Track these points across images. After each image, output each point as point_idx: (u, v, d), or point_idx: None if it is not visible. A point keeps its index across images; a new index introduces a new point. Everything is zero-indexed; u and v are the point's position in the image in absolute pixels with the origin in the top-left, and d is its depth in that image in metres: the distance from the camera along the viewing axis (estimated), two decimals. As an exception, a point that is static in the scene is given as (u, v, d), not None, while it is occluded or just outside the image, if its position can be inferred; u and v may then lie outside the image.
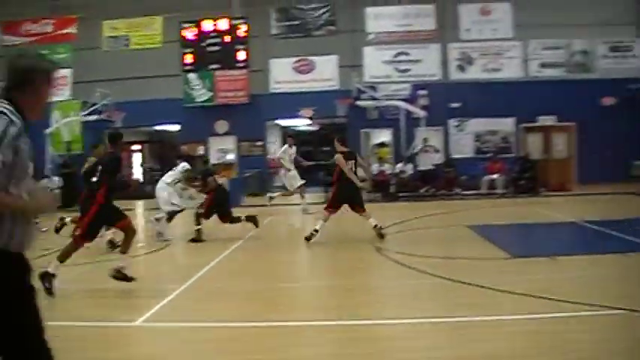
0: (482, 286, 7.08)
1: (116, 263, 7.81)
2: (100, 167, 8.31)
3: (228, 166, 23.00)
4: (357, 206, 11.47)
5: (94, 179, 8.30)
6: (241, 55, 23.55)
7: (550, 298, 6.39)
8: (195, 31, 23.70)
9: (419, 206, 17.95)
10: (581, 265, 8.41)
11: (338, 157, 11.29)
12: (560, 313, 5.95)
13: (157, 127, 25.95)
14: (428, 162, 21.56)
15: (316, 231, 11.20)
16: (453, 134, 23.53)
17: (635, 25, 23.88)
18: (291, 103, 23.26)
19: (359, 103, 22.63)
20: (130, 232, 8.03)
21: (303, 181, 17.14)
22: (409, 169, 21.57)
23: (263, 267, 9.80)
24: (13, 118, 2.96)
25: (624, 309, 5.90)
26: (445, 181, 21.37)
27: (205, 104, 23.76)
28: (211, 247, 11.43)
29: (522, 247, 10.39)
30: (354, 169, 11.37)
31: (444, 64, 23.23)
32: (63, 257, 7.75)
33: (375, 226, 11.31)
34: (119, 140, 8.68)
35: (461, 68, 23.12)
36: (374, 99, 22.81)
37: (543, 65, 23.24)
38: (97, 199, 7.97)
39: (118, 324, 6.36)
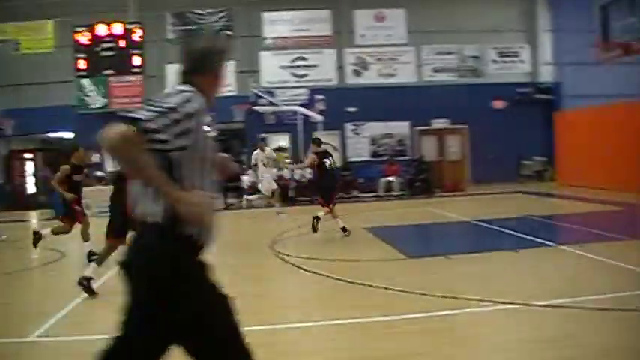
0: (381, 287, 7.14)
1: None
2: None
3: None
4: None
5: None
6: (136, 61, 23.12)
7: (446, 296, 6.48)
8: (88, 35, 23.11)
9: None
10: (474, 262, 8.58)
11: (311, 157, 12.08)
12: (456, 309, 6.05)
13: (51, 135, 25.21)
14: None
15: (344, 229, 11.69)
16: (349, 138, 23.74)
17: (523, 31, 24.84)
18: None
19: (256, 108, 22.50)
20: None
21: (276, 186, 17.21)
22: (307, 173, 21.62)
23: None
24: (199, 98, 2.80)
25: (515, 303, 6.12)
26: (343, 184, 21.53)
27: (100, 110, 23.22)
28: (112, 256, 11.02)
29: (418, 247, 10.71)
30: (333, 166, 12.16)
31: (341, 69, 23.57)
32: None
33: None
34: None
35: (357, 73, 23.50)
36: (271, 104, 22.76)
37: (436, 70, 23.90)
38: None
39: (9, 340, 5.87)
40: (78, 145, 11.05)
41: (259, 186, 17.50)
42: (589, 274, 7.55)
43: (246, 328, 4.96)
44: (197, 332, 2.75)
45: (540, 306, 5.97)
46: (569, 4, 23.16)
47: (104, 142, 2.54)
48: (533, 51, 24.81)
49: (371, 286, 7.26)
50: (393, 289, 7.00)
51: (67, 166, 10.20)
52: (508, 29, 24.41)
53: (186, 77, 2.96)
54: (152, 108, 2.64)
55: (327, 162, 11.97)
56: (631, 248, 9.08)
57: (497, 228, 11.83)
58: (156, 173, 2.63)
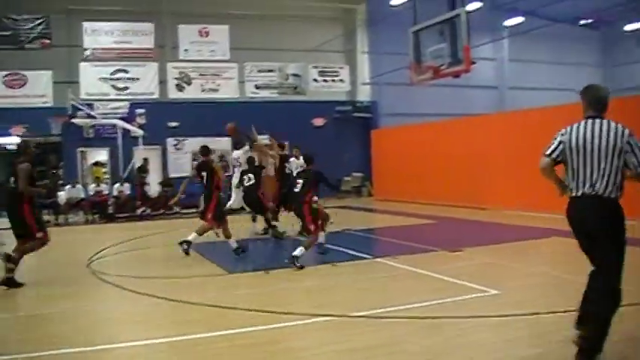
0: (203, 304, 7.23)
1: None
2: None
3: None
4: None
5: None
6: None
7: (265, 311, 6.69)
8: None
9: (138, 227, 17.84)
10: (294, 277, 8.88)
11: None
12: (275, 324, 6.24)
13: None
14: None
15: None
16: (171, 153, 23.83)
17: (343, 52, 26.10)
18: (1, 119, 22.04)
19: (75, 121, 21.71)
20: None
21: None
22: (127, 188, 21.37)
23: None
24: None
25: (333, 315, 6.47)
26: (164, 200, 21.41)
27: None
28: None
29: (239, 263, 10.70)
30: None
31: (163, 83, 23.55)
32: None
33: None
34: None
35: (179, 88, 23.57)
36: (91, 117, 22.12)
37: (258, 87, 24.51)
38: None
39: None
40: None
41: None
42: (402, 284, 8.23)
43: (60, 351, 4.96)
44: None
45: (357, 317, 6.39)
46: (385, 27, 24.64)
47: None
48: (352, 71, 26.13)
49: (190, 303, 7.32)
50: (213, 306, 7.14)
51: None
52: (329, 49, 25.50)
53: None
54: None
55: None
56: (440, 259, 10.01)
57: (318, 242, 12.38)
58: None
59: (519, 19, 29.94)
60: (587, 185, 4.59)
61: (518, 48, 31.63)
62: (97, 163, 23.33)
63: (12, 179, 8.81)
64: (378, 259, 10.07)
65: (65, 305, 7.72)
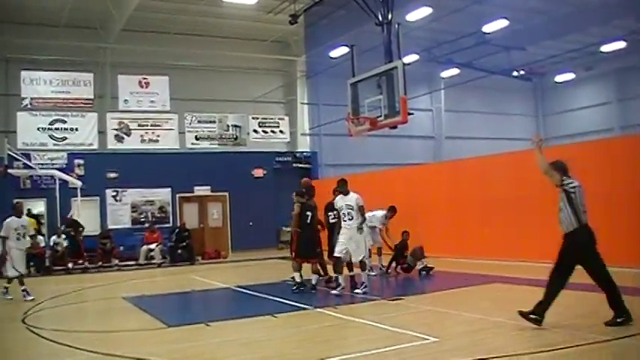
0: (140, 358, 7.17)
1: None
2: None
3: None
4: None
5: None
6: None
7: None
8: None
9: (75, 279, 18.02)
10: (234, 328, 8.88)
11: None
12: None
13: None
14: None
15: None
16: (110, 204, 24.05)
17: (283, 103, 27.10)
18: None
19: (11, 171, 21.83)
20: None
21: None
22: (64, 240, 21.34)
23: None
24: None
25: None
26: (102, 252, 21.59)
27: None
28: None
29: (178, 316, 10.90)
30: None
31: (102, 134, 23.80)
32: None
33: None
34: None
35: (119, 138, 23.85)
36: (28, 167, 22.24)
37: (198, 138, 25.13)
38: None
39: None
40: None
41: None
42: (342, 334, 8.50)
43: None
44: None
45: None
46: (324, 79, 25.79)
47: None
48: (292, 122, 27.11)
49: (129, 357, 7.31)
50: None
51: None
52: (269, 100, 26.47)
53: None
54: None
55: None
56: (380, 307, 10.39)
57: (258, 294, 12.58)
58: None
59: (455, 71, 31.51)
60: None
61: (454, 98, 33.27)
62: (32, 215, 23.24)
63: None
64: (319, 309, 10.23)
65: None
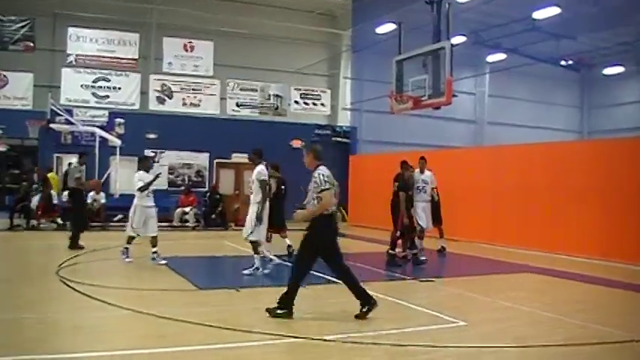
0: (171, 318, 7.31)
1: None
2: None
3: None
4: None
5: None
6: None
7: (236, 329, 6.88)
8: None
9: (111, 236, 17.99)
10: (263, 296, 8.77)
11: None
12: (245, 342, 6.46)
13: None
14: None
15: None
16: (147, 165, 24.34)
17: (326, 76, 27.15)
18: (-23, 119, 22.46)
19: (53, 126, 22.10)
20: None
21: None
22: (102, 197, 21.67)
23: None
24: None
25: (299, 337, 6.77)
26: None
27: None
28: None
29: (209, 279, 11.14)
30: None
31: (144, 95, 24.22)
32: None
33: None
34: None
35: (160, 100, 24.25)
36: (69, 123, 22.66)
37: (239, 105, 25.37)
38: None
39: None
40: None
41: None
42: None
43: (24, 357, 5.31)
44: None
45: (323, 340, 6.60)
46: (369, 54, 25.71)
47: None
48: (333, 95, 27.16)
49: (161, 317, 7.44)
50: (184, 321, 7.22)
51: None
52: (312, 72, 26.52)
53: None
54: None
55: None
56: (410, 287, 10.59)
57: (286, 264, 12.21)
58: None
59: (501, 56, 31.14)
60: None
61: (499, 84, 32.92)
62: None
63: None
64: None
65: (38, 311, 7.93)
